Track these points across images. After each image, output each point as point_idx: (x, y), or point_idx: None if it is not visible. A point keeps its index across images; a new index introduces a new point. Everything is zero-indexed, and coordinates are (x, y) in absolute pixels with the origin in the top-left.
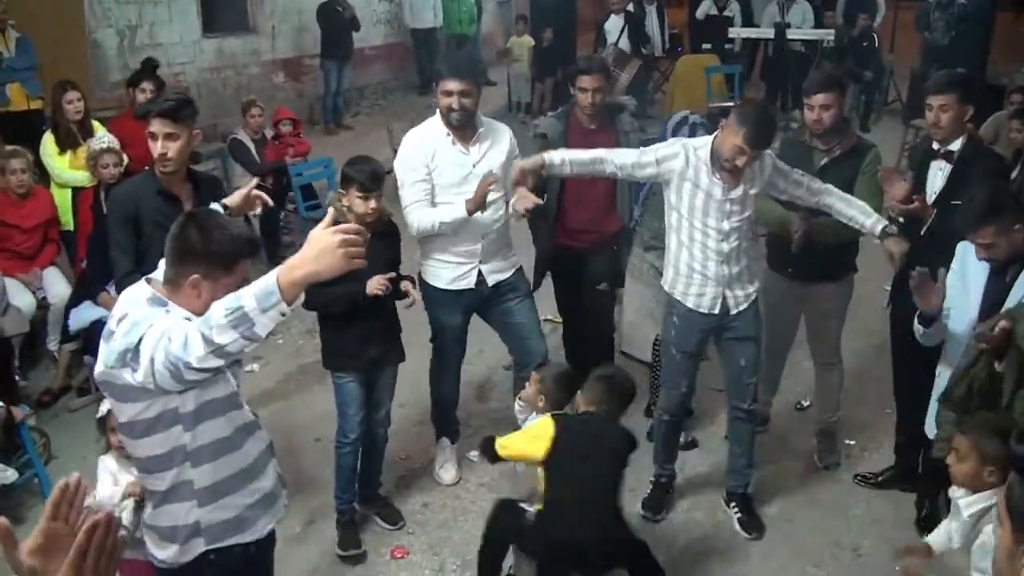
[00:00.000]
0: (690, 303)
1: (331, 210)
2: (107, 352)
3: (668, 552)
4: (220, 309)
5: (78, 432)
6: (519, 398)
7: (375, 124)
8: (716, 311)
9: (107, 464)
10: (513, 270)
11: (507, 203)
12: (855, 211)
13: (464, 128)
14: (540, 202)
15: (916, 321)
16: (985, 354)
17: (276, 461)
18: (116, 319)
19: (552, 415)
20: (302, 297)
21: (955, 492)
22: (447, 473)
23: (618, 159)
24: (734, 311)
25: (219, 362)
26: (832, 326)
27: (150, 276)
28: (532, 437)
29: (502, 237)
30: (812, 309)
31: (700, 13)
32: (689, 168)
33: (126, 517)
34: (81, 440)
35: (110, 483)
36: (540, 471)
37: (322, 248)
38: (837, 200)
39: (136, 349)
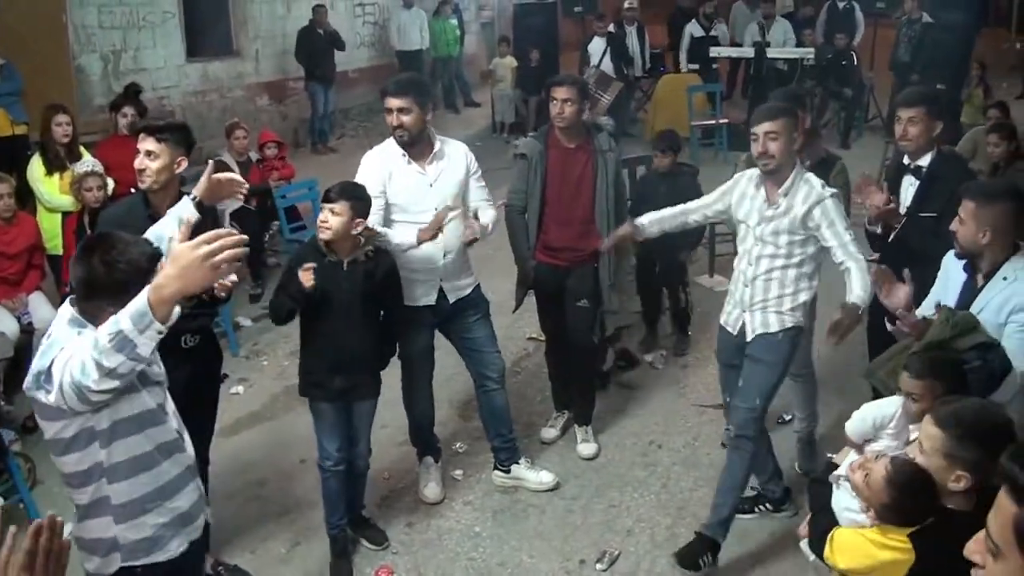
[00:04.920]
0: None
1: (186, 220)
2: (29, 372)
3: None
4: (103, 334)
5: None
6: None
7: (360, 146)
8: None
9: None
10: (471, 288)
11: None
12: None
13: (417, 146)
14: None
15: (886, 319)
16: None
17: (199, 482)
18: (46, 336)
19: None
20: (176, 312)
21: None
22: (431, 492)
23: None
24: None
25: (115, 383)
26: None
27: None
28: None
29: (461, 256)
30: None
31: (687, 34)
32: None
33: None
34: None
35: None
36: None
37: (185, 265)
38: None
39: (48, 372)
